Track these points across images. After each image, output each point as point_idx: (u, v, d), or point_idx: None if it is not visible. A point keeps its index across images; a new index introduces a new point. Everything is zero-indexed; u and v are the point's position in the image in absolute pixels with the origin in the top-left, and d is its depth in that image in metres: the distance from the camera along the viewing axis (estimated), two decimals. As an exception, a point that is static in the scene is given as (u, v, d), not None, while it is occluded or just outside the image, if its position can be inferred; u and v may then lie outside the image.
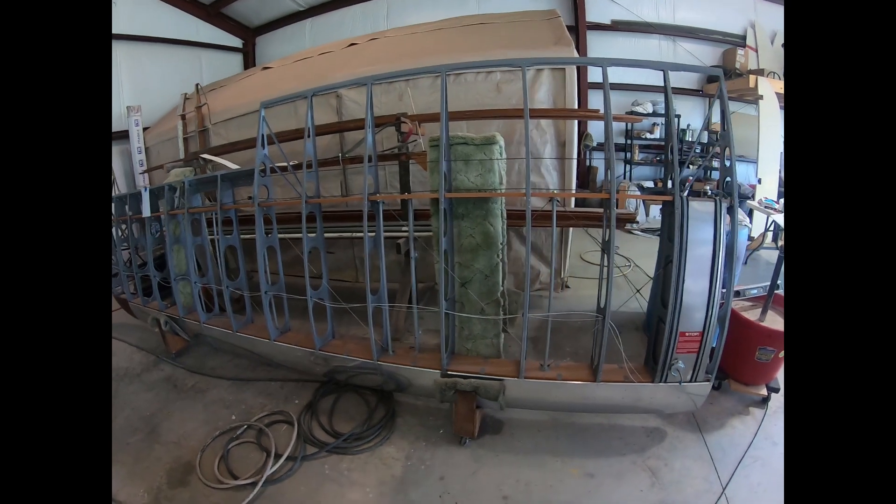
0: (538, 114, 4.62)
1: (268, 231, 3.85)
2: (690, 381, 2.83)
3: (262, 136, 3.57)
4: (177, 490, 3.25)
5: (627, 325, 4.51)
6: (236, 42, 11.19)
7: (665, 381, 2.82)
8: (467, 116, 4.61)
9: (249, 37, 11.30)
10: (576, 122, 5.05)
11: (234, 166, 4.94)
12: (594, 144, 8.03)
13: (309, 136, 3.44)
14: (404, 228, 4.26)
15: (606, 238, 2.84)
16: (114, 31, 8.25)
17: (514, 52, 5.23)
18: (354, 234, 5.19)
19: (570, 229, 5.38)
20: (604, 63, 2.67)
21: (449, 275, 3.30)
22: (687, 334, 2.68)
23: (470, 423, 3.17)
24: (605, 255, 2.86)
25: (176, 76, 9.12)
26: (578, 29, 9.34)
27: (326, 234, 4.61)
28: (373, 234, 3.42)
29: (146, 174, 7.77)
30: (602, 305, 2.92)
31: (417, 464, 3.20)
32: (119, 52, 8.53)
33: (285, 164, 3.71)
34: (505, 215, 3.48)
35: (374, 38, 6.86)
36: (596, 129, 8.13)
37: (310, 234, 3.63)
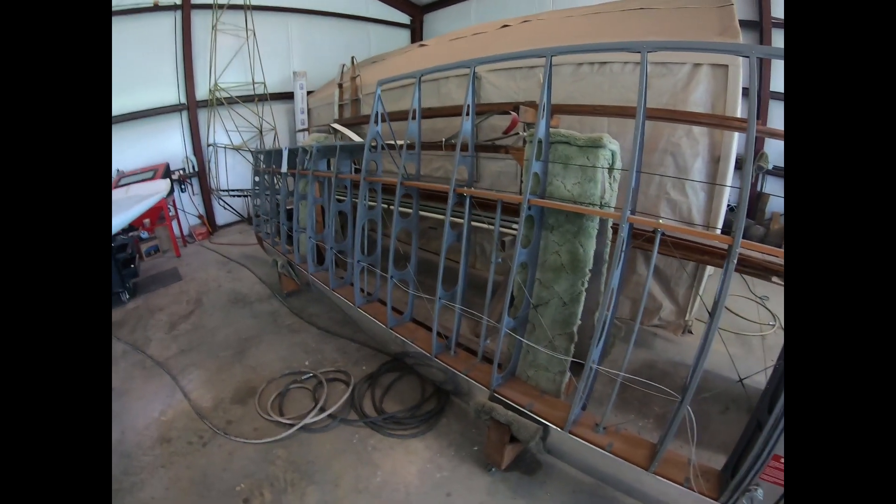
0: (658, 115, 3.84)
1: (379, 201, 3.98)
2: (764, 517, 2.09)
3: (377, 113, 3.67)
4: (235, 406, 3.81)
5: (738, 402, 3.61)
6: (404, 18, 11.82)
7: (732, 504, 2.14)
8: (578, 111, 4.07)
9: (417, 14, 11.83)
10: (734, 135, 4.09)
11: (357, 139, 5.25)
12: (769, 167, 6.54)
13: (414, 118, 3.41)
14: (514, 226, 4.07)
15: (718, 297, 2.16)
16: (286, 6, 9.51)
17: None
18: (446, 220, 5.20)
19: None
20: (750, 52, 1.95)
21: (522, 290, 2.99)
22: (783, 460, 1.97)
23: (498, 454, 2.92)
24: (709, 321, 2.20)
25: (344, 47, 9.99)
26: (763, 24, 7.55)
27: (439, 216, 4.67)
28: (500, 227, 3.21)
29: (303, 133, 8.84)
30: (687, 383, 2.26)
31: (434, 470, 3.11)
32: (291, 23, 9.75)
33: (393, 142, 3.78)
34: (608, 236, 2.99)
35: (527, 21, 6.53)
36: (775, 148, 6.57)
37: (408, 211, 3.67)
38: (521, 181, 4.64)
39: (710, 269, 4.57)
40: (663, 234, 2.38)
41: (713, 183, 4.16)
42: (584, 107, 4.07)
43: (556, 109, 3.66)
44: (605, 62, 4.62)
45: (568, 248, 2.86)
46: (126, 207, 4.12)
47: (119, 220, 4.06)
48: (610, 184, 2.91)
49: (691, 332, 4.98)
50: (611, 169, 2.87)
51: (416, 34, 11.90)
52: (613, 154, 2.87)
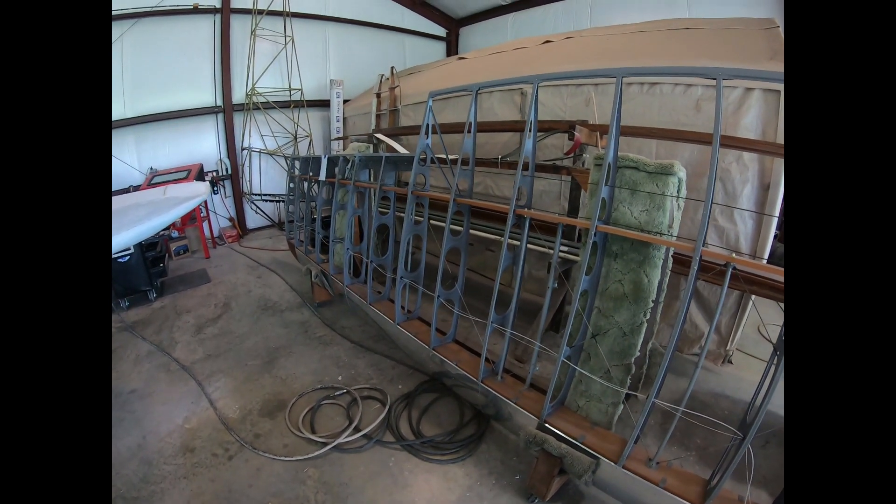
0: (729, 143, 3.74)
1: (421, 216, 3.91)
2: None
3: (428, 125, 3.60)
4: (263, 419, 3.69)
5: (779, 436, 3.42)
6: (440, 31, 11.89)
7: (784, 547, 2.01)
8: (640, 133, 3.98)
9: (453, 27, 11.88)
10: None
11: (403, 150, 5.19)
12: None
13: (469, 132, 3.32)
14: (563, 249, 3.98)
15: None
16: (323, 14, 9.64)
17: (717, 64, 4.35)
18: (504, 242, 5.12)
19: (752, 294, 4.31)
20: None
21: (582, 319, 2.87)
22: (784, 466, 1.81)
23: (544, 486, 2.78)
24: (774, 358, 2.12)
25: (380, 57, 10.14)
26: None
27: (486, 234, 4.57)
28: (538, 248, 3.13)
29: (339, 141, 8.85)
30: (748, 421, 2.17)
31: (475, 499, 2.96)
32: (329, 31, 9.87)
33: (444, 156, 3.69)
34: (670, 265, 2.87)
35: (570, 37, 6.46)
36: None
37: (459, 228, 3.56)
38: (566, 203, 4.56)
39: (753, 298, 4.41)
40: (734, 268, 2.27)
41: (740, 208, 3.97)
42: (640, 129, 3.95)
43: (628, 131, 3.56)
44: (655, 83, 4.53)
45: (632, 277, 2.73)
46: (165, 209, 4.06)
47: (158, 222, 4.00)
48: (675, 212, 2.80)
49: (731, 363, 4.84)
50: (678, 197, 2.75)
51: (452, 47, 11.95)
52: (680, 181, 2.75)
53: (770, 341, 5.28)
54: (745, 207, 4.12)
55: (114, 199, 4.83)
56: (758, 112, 3.93)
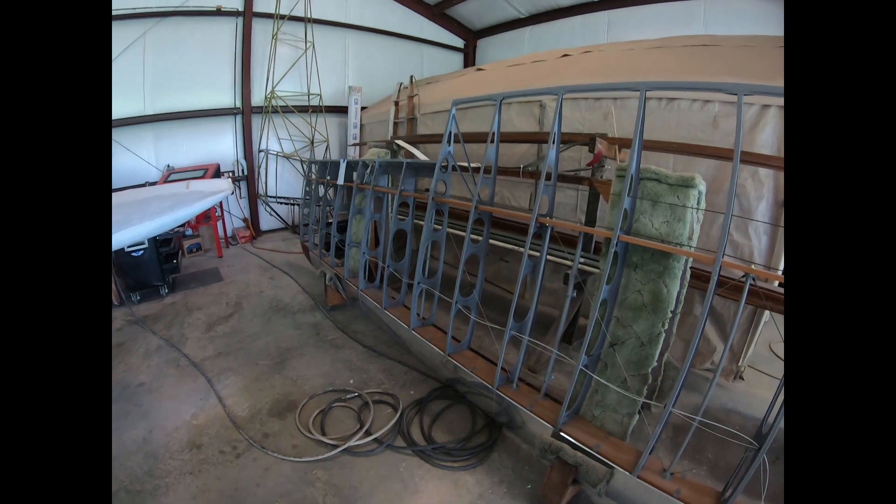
0: (747, 158, 3.75)
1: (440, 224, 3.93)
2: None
3: (450, 133, 3.64)
4: (273, 419, 3.68)
5: None
6: (458, 42, 12.06)
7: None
8: (661, 147, 4.00)
9: (471, 38, 12.04)
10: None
11: (423, 157, 5.23)
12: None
13: (492, 142, 3.36)
14: (581, 260, 3.98)
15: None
16: (344, 21, 9.82)
17: (733, 81, 4.40)
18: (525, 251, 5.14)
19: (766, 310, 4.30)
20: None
21: (601, 328, 2.87)
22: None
23: (557, 496, 2.76)
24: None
25: (398, 66, 10.28)
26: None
27: (502, 244, 4.58)
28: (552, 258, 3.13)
29: (355, 147, 8.95)
30: (764, 433, 2.18)
31: None
32: (349, 39, 10.03)
33: (466, 164, 3.72)
34: (688, 277, 2.88)
35: (588, 52, 6.52)
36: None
37: (476, 237, 3.58)
38: (583, 216, 4.58)
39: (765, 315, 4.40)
40: (753, 279, 2.29)
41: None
42: (660, 143, 3.98)
43: (629, 144, 3.59)
44: (673, 98, 4.57)
45: (651, 287, 2.74)
46: (188, 203, 4.12)
47: (180, 215, 4.04)
48: (695, 224, 2.82)
49: (742, 379, 4.81)
50: (698, 209, 2.77)
51: (469, 58, 12.09)
52: (700, 194, 2.78)
53: (781, 358, 5.23)
54: (761, 225, 4.13)
55: (136, 190, 4.92)
56: (774, 129, 3.97)
